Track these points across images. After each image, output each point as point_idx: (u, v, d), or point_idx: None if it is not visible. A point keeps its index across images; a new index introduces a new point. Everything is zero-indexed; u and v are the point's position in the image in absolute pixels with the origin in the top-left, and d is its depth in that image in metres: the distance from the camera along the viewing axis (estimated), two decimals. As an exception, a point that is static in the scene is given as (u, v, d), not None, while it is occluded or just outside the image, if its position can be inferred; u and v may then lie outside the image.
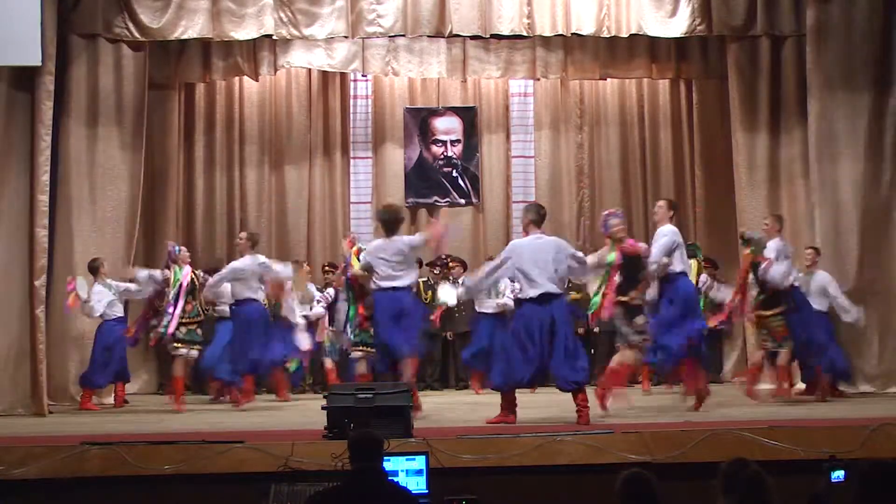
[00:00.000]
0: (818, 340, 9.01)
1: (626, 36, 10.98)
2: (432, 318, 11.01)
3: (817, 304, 9.42)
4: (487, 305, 10.92)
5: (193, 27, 10.41)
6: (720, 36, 11.12)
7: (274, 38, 10.89)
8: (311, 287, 11.26)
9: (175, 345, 9.70)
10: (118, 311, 10.04)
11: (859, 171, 10.13)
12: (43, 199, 9.61)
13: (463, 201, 12.81)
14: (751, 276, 9.08)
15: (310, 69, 12.30)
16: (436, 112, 12.86)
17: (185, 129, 12.43)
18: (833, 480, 4.93)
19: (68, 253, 10.18)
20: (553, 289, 7.49)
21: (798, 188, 10.83)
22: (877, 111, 10.15)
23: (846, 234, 10.12)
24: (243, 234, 10.00)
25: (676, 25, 10.77)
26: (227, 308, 10.00)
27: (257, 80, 12.29)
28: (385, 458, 4.56)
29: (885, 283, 10.06)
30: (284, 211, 12.66)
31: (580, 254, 7.92)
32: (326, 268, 11.57)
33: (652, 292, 8.29)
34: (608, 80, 12.69)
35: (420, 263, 11.83)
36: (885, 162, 10.14)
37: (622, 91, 12.97)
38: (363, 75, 12.57)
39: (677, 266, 8.20)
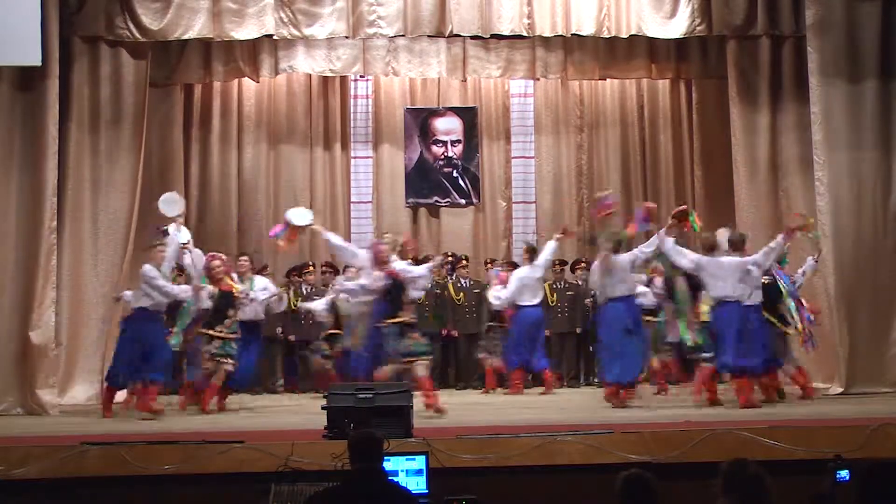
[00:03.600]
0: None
1: (626, 37, 10.98)
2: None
3: None
4: None
5: (194, 27, 10.40)
6: (720, 36, 11.11)
7: (275, 37, 10.88)
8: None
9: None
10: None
11: (865, 166, 10.09)
12: (53, 201, 9.63)
13: (463, 202, 12.81)
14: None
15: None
16: (436, 112, 12.86)
17: (185, 129, 12.43)
18: (838, 480, 4.92)
19: (65, 256, 10.17)
20: None
21: (800, 187, 10.80)
22: (881, 104, 10.12)
23: (853, 231, 10.07)
24: None
25: (676, 26, 10.76)
26: None
27: (258, 82, 12.30)
28: (385, 458, 4.56)
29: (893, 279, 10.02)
30: (284, 211, 12.61)
31: None
32: (324, 268, 11.60)
33: None
34: (608, 80, 12.69)
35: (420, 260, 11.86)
36: (891, 155, 10.10)
37: (622, 91, 12.97)
38: (363, 76, 12.58)
39: None
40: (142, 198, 10.89)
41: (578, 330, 11.72)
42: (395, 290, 8.60)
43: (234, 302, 9.27)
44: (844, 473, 4.93)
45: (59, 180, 9.95)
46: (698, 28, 10.73)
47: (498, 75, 12.36)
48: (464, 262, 11.87)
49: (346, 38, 10.92)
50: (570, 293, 11.74)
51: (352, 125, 12.88)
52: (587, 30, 10.80)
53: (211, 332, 9.11)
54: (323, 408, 6.77)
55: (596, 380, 11.41)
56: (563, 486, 6.19)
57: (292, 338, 11.57)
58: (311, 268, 11.72)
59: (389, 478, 4.51)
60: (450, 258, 11.68)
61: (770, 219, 10.85)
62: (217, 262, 9.32)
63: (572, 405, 9.35)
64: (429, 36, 11.17)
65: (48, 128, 9.65)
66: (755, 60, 10.96)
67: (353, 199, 12.86)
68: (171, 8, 10.31)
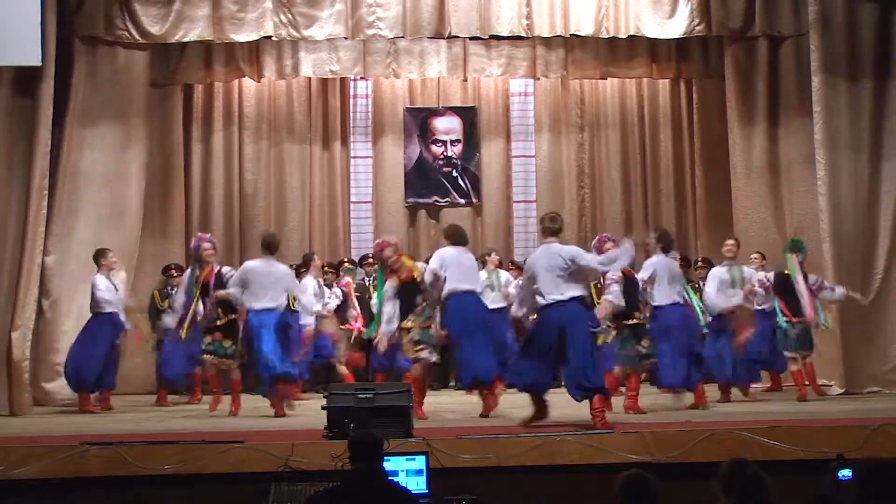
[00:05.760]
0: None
1: (626, 37, 10.98)
2: None
3: None
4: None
5: (194, 31, 10.45)
6: (720, 36, 11.12)
7: (273, 38, 10.90)
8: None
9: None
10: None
11: (865, 166, 10.08)
12: (43, 203, 9.64)
13: (463, 201, 12.80)
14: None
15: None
16: (436, 112, 12.86)
17: (186, 128, 12.43)
18: (841, 479, 4.90)
19: (63, 255, 10.18)
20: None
21: (799, 188, 10.80)
22: (882, 104, 10.11)
23: (853, 230, 10.07)
24: None
25: (675, 26, 10.76)
26: None
27: (258, 81, 12.31)
28: (385, 458, 4.56)
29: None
30: (284, 211, 12.65)
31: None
32: (326, 268, 11.55)
33: None
34: (608, 80, 12.68)
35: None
36: (891, 154, 10.09)
37: (622, 91, 12.97)
38: (363, 77, 12.59)
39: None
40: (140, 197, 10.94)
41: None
42: None
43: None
44: (847, 472, 4.91)
45: (58, 180, 9.97)
46: (697, 28, 10.74)
47: (499, 74, 12.37)
48: None
49: (346, 38, 10.94)
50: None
51: (351, 124, 12.87)
52: (586, 30, 10.81)
53: None
54: (323, 408, 6.77)
55: None
56: (563, 486, 6.19)
57: None
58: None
59: (389, 478, 4.51)
60: None
61: (768, 220, 10.85)
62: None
63: (571, 405, 9.32)
64: (428, 37, 11.18)
65: (44, 131, 9.64)
66: (754, 61, 10.99)
67: (352, 198, 12.85)
68: (171, 15, 10.35)
